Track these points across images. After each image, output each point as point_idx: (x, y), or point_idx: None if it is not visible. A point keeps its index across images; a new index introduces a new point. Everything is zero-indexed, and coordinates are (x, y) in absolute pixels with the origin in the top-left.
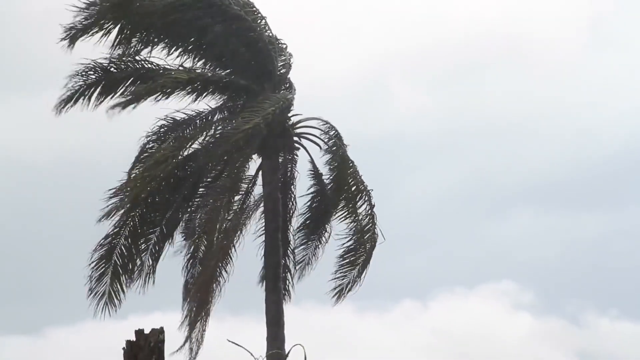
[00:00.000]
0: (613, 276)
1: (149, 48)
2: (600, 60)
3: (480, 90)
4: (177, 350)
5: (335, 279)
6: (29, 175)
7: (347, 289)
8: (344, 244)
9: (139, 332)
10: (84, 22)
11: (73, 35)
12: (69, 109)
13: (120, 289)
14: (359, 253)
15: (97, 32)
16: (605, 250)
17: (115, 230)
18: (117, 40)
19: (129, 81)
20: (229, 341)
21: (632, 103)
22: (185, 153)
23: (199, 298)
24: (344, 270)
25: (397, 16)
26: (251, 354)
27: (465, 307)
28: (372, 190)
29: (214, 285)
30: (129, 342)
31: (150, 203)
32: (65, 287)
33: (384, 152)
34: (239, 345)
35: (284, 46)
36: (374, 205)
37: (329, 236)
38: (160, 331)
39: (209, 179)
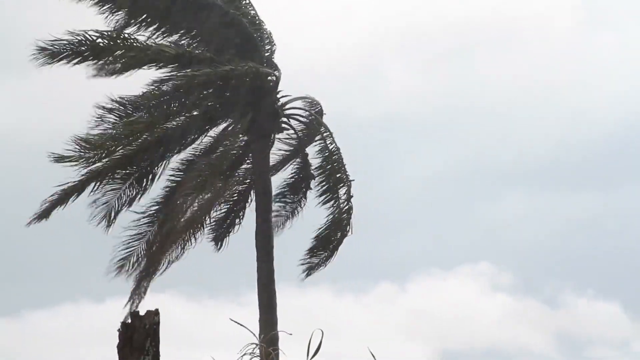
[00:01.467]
0: (594, 256)
1: (136, 27)
2: (593, 40)
3: (472, 71)
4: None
5: (305, 259)
6: (15, 155)
7: (315, 269)
8: (320, 228)
9: (134, 314)
10: None
11: None
12: (52, 65)
13: None
14: (331, 239)
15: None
16: (593, 230)
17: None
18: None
19: (117, 52)
20: (231, 320)
21: (625, 83)
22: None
23: (149, 259)
24: (316, 252)
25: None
26: (253, 334)
27: (443, 289)
28: (354, 180)
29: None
30: (124, 324)
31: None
32: (44, 271)
33: (374, 133)
34: (241, 325)
35: (265, 27)
36: (352, 196)
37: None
38: (156, 313)
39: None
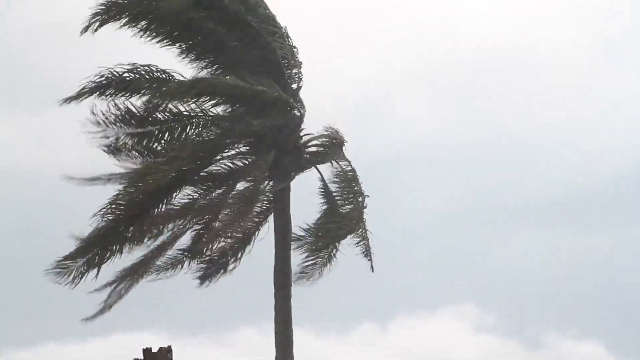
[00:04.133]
0: (581, 296)
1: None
2: (609, 79)
3: (485, 108)
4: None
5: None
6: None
7: (312, 275)
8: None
9: (147, 351)
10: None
11: (96, 23)
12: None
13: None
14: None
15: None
16: (590, 270)
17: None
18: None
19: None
20: None
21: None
22: None
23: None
24: (317, 252)
25: (402, 33)
26: None
27: (426, 329)
28: (369, 196)
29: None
30: None
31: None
32: (27, 309)
33: (384, 169)
34: None
35: (299, 61)
36: (365, 206)
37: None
38: (168, 350)
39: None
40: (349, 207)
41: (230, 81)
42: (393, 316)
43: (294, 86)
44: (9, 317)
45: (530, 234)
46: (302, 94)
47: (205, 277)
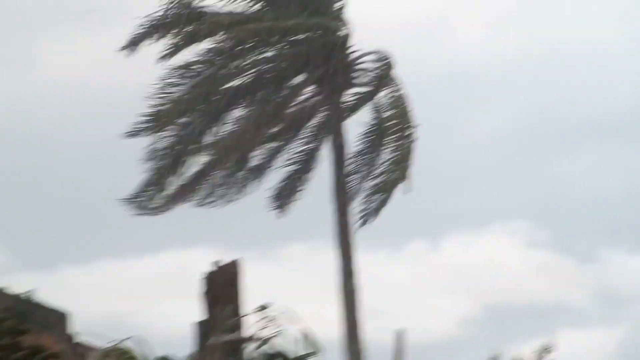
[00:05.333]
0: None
1: None
2: None
3: (546, 22)
4: None
5: (362, 206)
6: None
7: (372, 215)
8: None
9: (216, 264)
10: None
11: None
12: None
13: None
14: (388, 181)
15: None
16: None
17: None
18: None
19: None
20: None
21: None
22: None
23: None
24: (373, 196)
25: None
26: None
27: (478, 246)
28: (419, 125)
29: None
30: (207, 273)
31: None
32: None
33: (444, 87)
34: None
35: None
36: (413, 140)
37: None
38: (237, 263)
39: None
40: (397, 143)
41: (266, 24)
42: (444, 233)
43: (339, 4)
44: (63, 234)
45: (593, 149)
46: (356, 13)
47: (281, 203)
